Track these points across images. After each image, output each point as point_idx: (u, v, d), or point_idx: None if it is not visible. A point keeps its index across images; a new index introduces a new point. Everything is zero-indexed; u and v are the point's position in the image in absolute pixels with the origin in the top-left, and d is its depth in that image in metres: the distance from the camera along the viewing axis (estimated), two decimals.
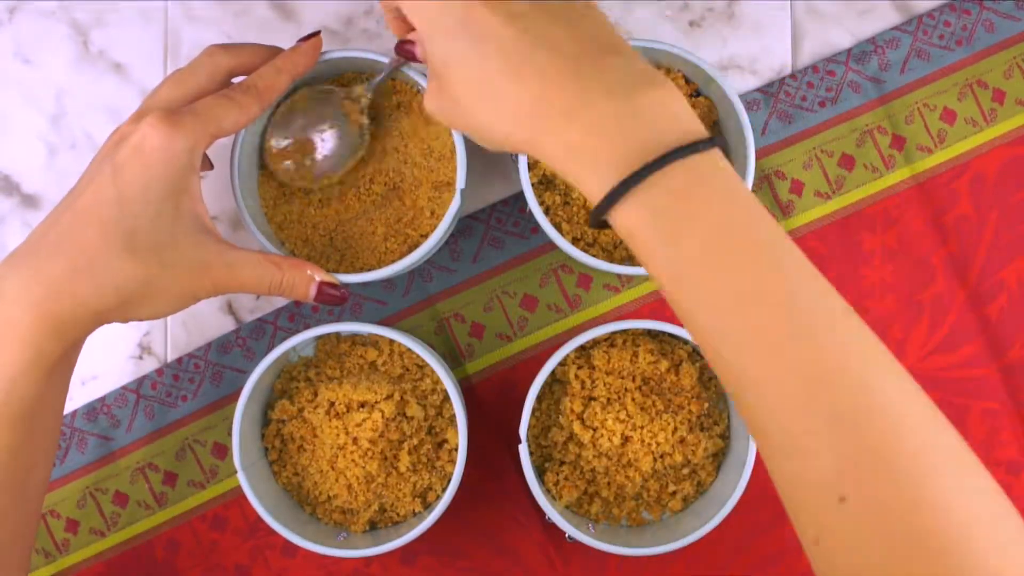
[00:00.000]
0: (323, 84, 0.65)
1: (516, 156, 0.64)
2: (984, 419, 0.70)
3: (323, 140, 0.64)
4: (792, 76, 0.72)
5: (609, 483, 0.67)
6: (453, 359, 0.71)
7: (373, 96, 0.64)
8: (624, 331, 0.67)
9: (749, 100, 0.71)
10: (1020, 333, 0.70)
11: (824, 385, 0.42)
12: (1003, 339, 0.70)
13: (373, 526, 0.68)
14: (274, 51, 0.62)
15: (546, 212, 0.65)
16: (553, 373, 0.67)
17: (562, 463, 0.67)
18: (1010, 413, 0.70)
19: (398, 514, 0.67)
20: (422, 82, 0.63)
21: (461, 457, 0.63)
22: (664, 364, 0.66)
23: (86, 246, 0.54)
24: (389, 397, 0.65)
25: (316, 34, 0.63)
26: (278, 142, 0.64)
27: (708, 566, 0.70)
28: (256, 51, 0.62)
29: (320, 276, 0.61)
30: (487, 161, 0.71)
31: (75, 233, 0.55)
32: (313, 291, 0.61)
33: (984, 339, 0.70)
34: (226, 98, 0.58)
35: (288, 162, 0.64)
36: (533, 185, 0.65)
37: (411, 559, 0.70)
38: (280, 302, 0.72)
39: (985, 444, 0.70)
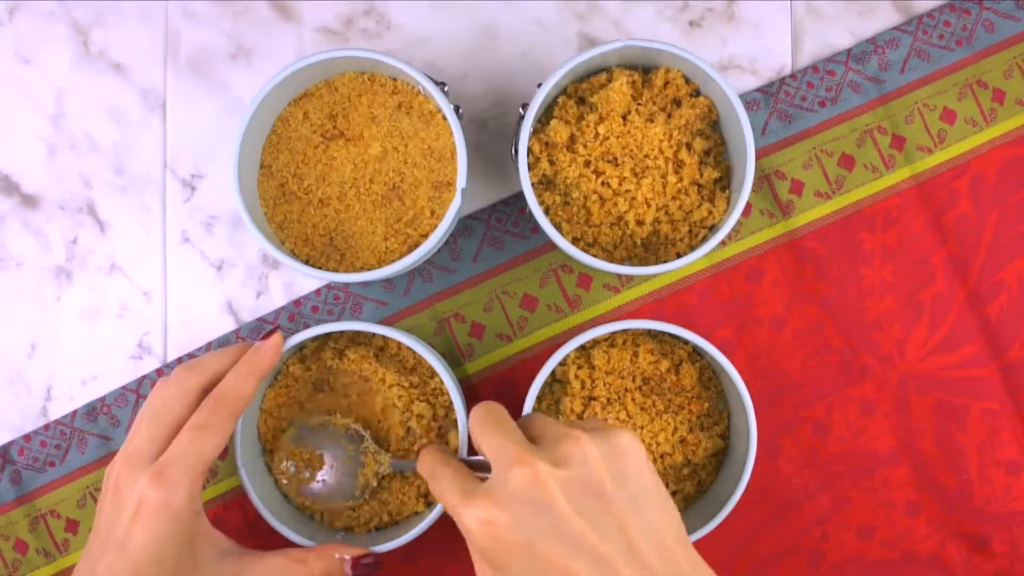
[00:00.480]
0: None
1: (516, 156, 0.64)
2: (984, 419, 0.70)
3: (329, 469, 0.66)
4: (792, 76, 0.72)
5: None
6: (453, 359, 0.71)
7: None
8: (624, 331, 0.67)
9: (749, 100, 0.71)
10: (1020, 333, 0.70)
11: None
12: (1003, 339, 0.70)
13: (376, 527, 0.68)
14: (239, 350, 0.63)
15: (546, 212, 0.65)
16: (553, 373, 0.67)
17: None
18: (1010, 413, 0.70)
19: (401, 514, 0.67)
20: (423, 82, 0.63)
21: (462, 457, 0.63)
22: (664, 364, 0.66)
23: None
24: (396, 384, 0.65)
25: (274, 331, 0.63)
26: (287, 465, 0.66)
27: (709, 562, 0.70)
28: (221, 358, 0.62)
29: (350, 554, 0.62)
30: (487, 161, 0.71)
31: None
32: (348, 570, 0.61)
33: (984, 339, 0.70)
34: (200, 430, 0.58)
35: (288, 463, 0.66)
36: (533, 185, 0.65)
37: (414, 560, 0.70)
38: (281, 302, 0.72)
39: (985, 444, 0.70)
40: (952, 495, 0.70)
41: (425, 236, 0.65)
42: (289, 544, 0.64)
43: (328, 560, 0.61)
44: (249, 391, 0.60)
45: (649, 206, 0.65)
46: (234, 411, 0.59)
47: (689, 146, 0.65)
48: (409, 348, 0.67)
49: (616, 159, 0.65)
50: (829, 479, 0.70)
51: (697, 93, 0.67)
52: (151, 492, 0.55)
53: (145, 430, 0.58)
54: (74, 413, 0.71)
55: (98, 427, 0.71)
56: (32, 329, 0.72)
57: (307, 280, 0.72)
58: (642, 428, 0.65)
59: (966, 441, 0.70)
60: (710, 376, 0.67)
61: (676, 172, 0.65)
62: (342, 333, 0.68)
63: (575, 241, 0.65)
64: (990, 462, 0.70)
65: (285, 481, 0.65)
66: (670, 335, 0.67)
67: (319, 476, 0.65)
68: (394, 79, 0.66)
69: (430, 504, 0.67)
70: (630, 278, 0.71)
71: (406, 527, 0.65)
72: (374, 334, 0.67)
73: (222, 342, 0.71)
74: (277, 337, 0.63)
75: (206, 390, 0.61)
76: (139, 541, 0.55)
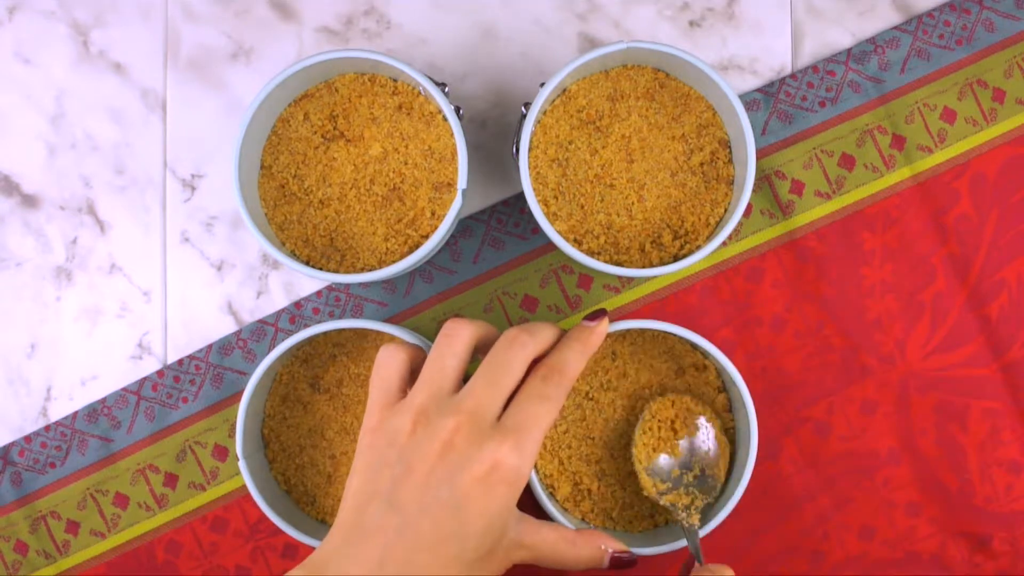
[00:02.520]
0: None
1: (517, 155, 0.64)
2: (985, 418, 0.70)
3: None
4: (792, 76, 0.71)
5: None
6: None
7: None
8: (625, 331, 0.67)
9: (749, 100, 0.71)
10: (1021, 332, 0.70)
11: None
12: (1004, 338, 0.70)
13: None
14: (558, 328, 0.60)
15: (547, 213, 0.65)
16: None
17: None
18: (1011, 412, 0.70)
19: None
20: (424, 83, 0.63)
21: None
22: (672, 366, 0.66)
23: None
24: None
25: (603, 313, 0.61)
26: None
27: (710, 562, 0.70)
28: (552, 332, 0.59)
29: (613, 548, 0.59)
30: (487, 162, 0.71)
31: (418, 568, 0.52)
32: (607, 562, 0.59)
33: (985, 338, 0.70)
34: (547, 400, 0.55)
35: None
36: (534, 185, 0.65)
37: None
38: (281, 302, 0.72)
39: (986, 444, 0.70)
40: (953, 495, 0.70)
41: (426, 237, 0.65)
42: (289, 546, 0.64)
43: (594, 549, 0.58)
44: (580, 369, 0.58)
45: (650, 207, 0.65)
46: (569, 387, 0.57)
47: (692, 149, 0.65)
48: None
49: (618, 160, 0.65)
50: (830, 479, 0.70)
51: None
52: (511, 458, 0.52)
53: (485, 389, 0.55)
54: (75, 414, 0.71)
55: (99, 428, 0.71)
56: (32, 329, 0.72)
57: (307, 280, 0.72)
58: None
59: (967, 441, 0.70)
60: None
61: (677, 174, 0.65)
62: (341, 332, 0.68)
63: (576, 243, 0.65)
64: (991, 461, 0.70)
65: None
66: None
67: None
68: (395, 80, 0.66)
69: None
70: (630, 279, 0.71)
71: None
72: (378, 332, 0.67)
73: (223, 344, 0.71)
74: (606, 322, 0.60)
75: (534, 359, 0.58)
76: (480, 507, 0.52)
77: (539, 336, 0.58)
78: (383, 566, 0.51)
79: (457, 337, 0.57)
